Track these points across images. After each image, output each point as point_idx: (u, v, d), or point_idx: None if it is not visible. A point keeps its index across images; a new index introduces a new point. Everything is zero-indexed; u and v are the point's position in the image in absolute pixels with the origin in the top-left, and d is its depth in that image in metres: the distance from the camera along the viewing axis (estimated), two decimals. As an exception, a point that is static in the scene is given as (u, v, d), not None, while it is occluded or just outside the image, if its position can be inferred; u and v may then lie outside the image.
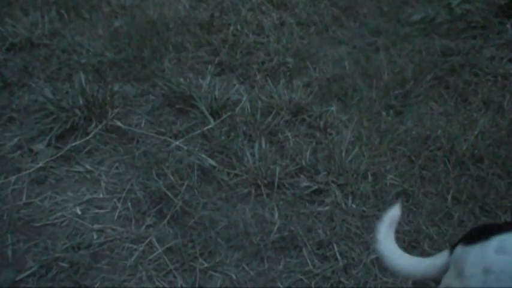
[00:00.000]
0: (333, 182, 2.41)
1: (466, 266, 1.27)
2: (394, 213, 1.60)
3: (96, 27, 3.64)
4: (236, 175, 2.44)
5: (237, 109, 2.85)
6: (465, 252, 1.34)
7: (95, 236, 2.15)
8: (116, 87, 2.95)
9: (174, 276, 2.00)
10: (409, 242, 2.13)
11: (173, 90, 2.95)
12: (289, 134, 2.71)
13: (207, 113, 2.79)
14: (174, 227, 2.20)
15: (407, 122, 2.81)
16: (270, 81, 3.12)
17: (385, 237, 1.57)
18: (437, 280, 1.48)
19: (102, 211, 2.28)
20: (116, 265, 2.05)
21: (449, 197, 2.34)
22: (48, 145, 2.58)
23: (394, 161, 2.53)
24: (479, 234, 1.34)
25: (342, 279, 2.01)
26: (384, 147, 2.60)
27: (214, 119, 2.77)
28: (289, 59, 3.34)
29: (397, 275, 1.49)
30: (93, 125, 2.68)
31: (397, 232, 1.65)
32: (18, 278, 1.97)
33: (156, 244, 2.12)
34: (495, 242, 1.23)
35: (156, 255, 2.08)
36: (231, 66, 3.30)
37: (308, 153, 2.56)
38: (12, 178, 2.41)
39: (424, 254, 2.03)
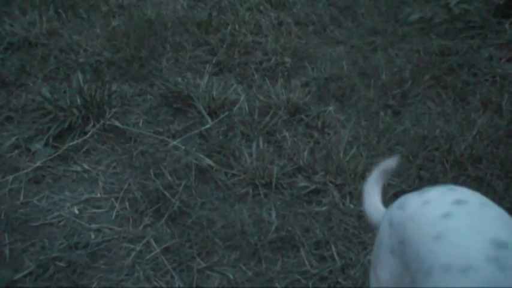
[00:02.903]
0: (330, 182, 2.40)
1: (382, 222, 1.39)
2: (389, 163, 1.66)
3: (94, 26, 3.64)
4: (234, 175, 2.44)
5: (235, 109, 2.85)
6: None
7: (93, 236, 2.15)
8: (114, 87, 2.95)
9: (172, 276, 2.00)
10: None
11: (171, 90, 2.95)
12: (286, 134, 2.71)
13: (204, 113, 2.79)
14: (172, 227, 2.19)
15: (405, 122, 2.81)
16: (267, 81, 3.12)
17: (371, 187, 1.64)
18: None
19: (99, 211, 2.28)
20: (113, 265, 2.04)
21: (447, 197, 2.33)
22: (46, 144, 2.58)
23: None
24: None
25: (340, 280, 2.00)
26: (381, 147, 2.60)
27: (212, 119, 2.77)
28: (287, 59, 3.33)
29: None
30: (91, 124, 2.67)
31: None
32: (15, 278, 1.96)
33: (154, 244, 2.12)
34: (399, 200, 1.32)
35: (153, 255, 2.08)
36: (228, 65, 3.30)
37: (306, 153, 2.56)
38: (10, 177, 2.40)
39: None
